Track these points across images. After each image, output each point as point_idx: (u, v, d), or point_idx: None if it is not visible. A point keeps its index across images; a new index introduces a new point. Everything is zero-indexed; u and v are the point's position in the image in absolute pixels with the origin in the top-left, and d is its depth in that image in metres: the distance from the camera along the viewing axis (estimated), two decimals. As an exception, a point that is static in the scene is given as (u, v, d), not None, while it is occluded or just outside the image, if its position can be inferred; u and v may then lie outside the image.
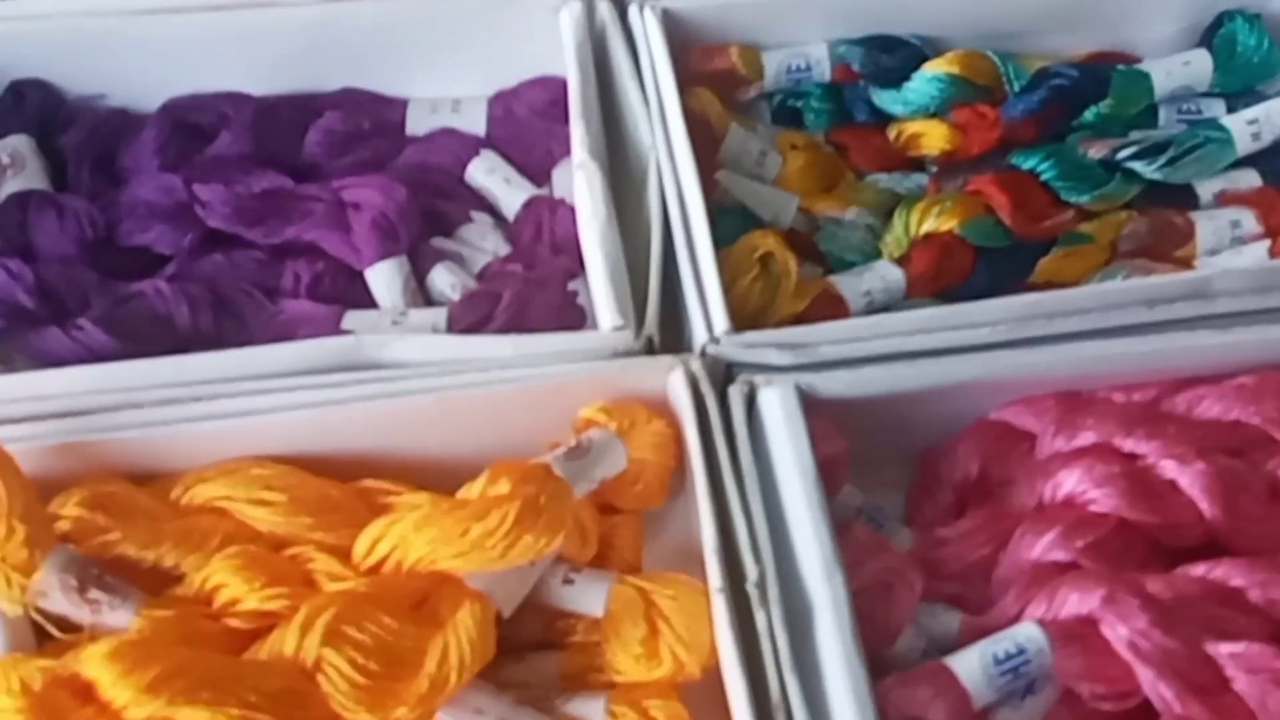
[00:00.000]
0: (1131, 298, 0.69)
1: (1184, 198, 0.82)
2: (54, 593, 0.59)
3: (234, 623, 0.60)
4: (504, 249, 0.79)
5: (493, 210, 0.82)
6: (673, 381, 0.67)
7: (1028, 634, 0.61)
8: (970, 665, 0.60)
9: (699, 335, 0.68)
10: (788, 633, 0.59)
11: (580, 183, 0.72)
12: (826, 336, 0.68)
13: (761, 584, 0.60)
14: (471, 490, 0.62)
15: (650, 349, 0.69)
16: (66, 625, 0.60)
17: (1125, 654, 0.60)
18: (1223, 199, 0.82)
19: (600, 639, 0.64)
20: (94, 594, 0.59)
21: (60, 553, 0.60)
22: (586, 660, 0.65)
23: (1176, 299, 0.69)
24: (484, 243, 0.79)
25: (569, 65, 0.78)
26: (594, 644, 0.65)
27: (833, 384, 0.67)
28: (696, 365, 0.67)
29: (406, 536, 0.60)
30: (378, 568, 0.61)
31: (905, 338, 0.68)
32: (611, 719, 0.61)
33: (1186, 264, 0.79)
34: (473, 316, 0.70)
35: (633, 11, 0.81)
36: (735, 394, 0.66)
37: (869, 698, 0.56)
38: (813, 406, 0.66)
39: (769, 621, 0.59)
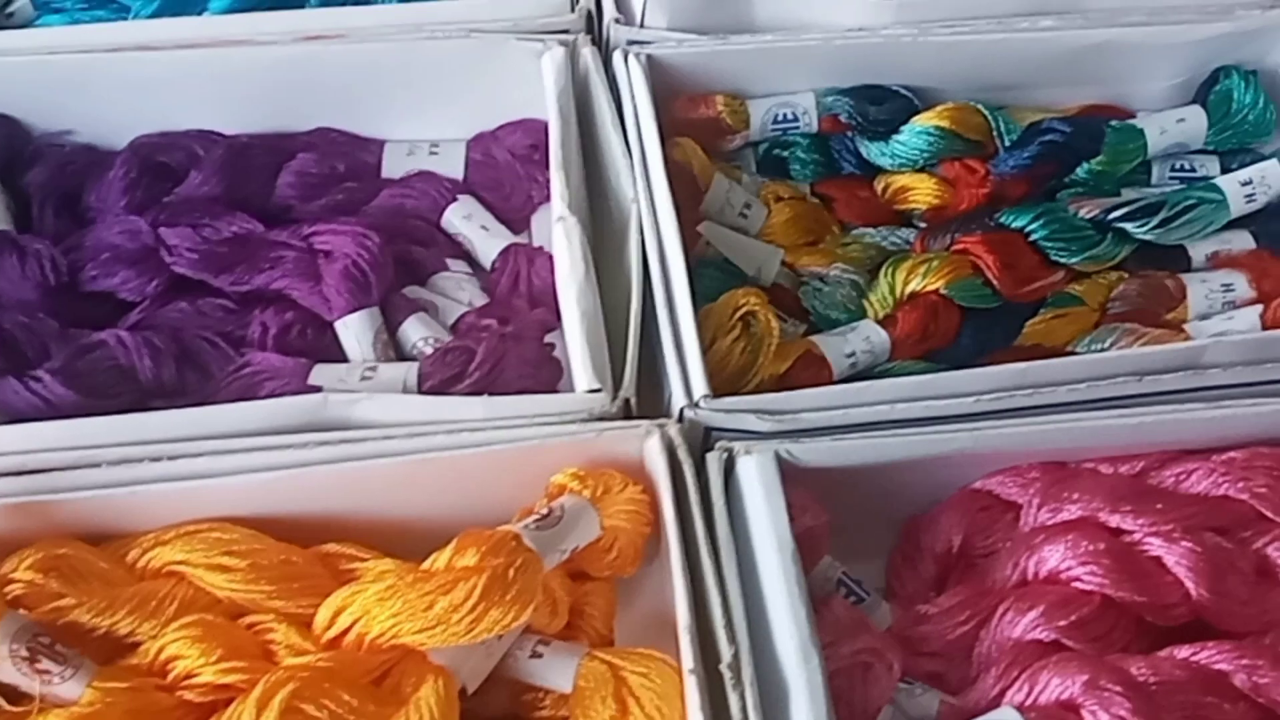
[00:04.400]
0: (1121, 369, 0.67)
1: (1176, 259, 0.81)
2: (3, 662, 0.57)
3: (189, 695, 0.58)
4: (480, 299, 0.77)
5: (470, 257, 0.80)
6: (649, 448, 0.65)
7: (1007, 720, 0.59)
8: (949, 754, 0.58)
9: (677, 399, 0.66)
10: (761, 716, 0.57)
11: (559, 237, 0.70)
12: (808, 404, 0.66)
13: (735, 665, 0.58)
14: (438, 561, 0.60)
15: (627, 411, 0.67)
16: (14, 695, 0.57)
17: (1106, 743, 0.58)
18: (1215, 261, 0.81)
19: (569, 714, 0.62)
20: (45, 664, 0.57)
21: (10, 620, 0.58)
22: (555, 737, 0.63)
23: (1167, 370, 0.68)
24: (459, 293, 0.77)
25: (550, 112, 0.76)
26: (563, 719, 0.63)
27: (814, 453, 0.65)
28: (674, 431, 0.65)
29: (369, 609, 0.58)
30: (339, 640, 0.59)
31: (889, 406, 0.66)
32: (577, 800, 0.59)
33: (1177, 327, 0.78)
34: (445, 373, 0.68)
35: (617, 58, 0.79)
36: (713, 461, 0.64)
37: (842, 787, 0.55)
38: (793, 475, 0.65)
39: (743, 705, 0.57)
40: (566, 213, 0.71)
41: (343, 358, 0.73)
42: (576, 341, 0.67)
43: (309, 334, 0.73)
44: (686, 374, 0.66)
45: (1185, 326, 0.78)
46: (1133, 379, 0.67)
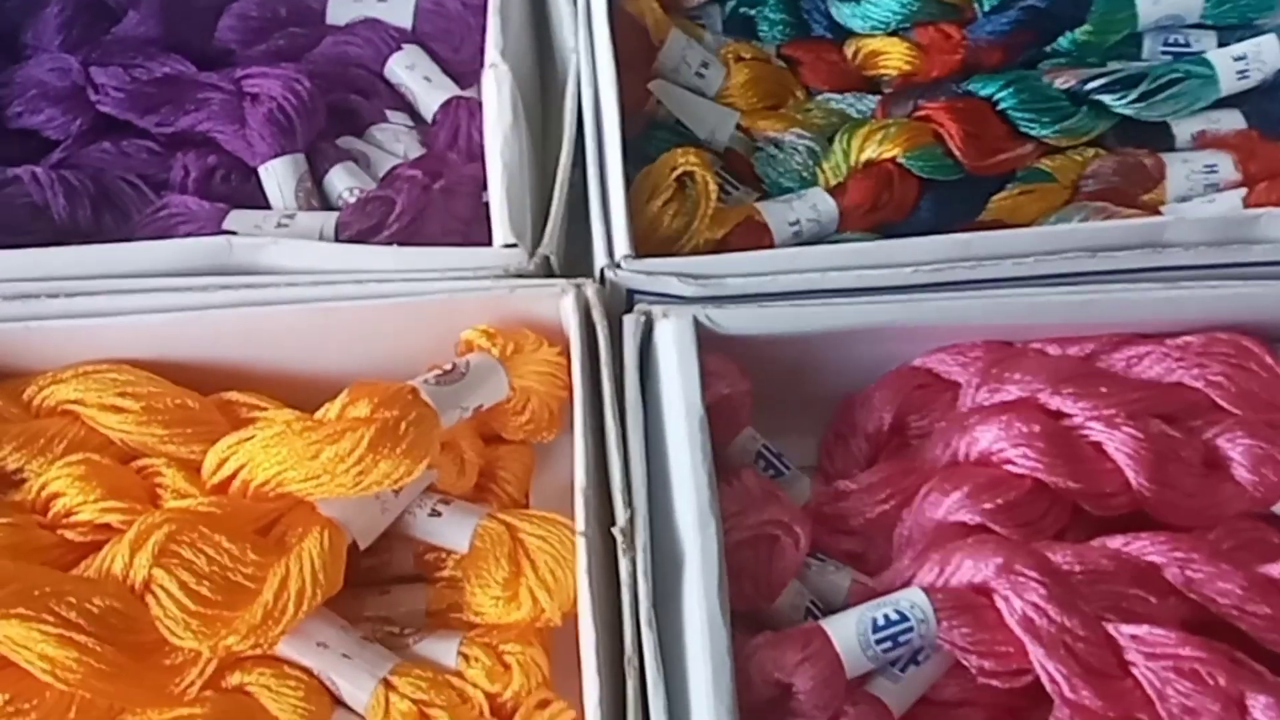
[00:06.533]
0: (1074, 243, 0.63)
1: (1159, 137, 0.76)
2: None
3: (69, 534, 0.57)
4: (417, 152, 0.74)
5: (413, 110, 0.77)
6: (564, 307, 0.62)
7: (911, 600, 0.56)
8: (846, 630, 0.56)
9: (599, 259, 0.64)
10: (651, 583, 0.55)
11: (489, 85, 0.67)
12: (734, 268, 0.63)
13: (629, 530, 0.56)
14: (330, 411, 0.58)
15: (548, 270, 0.64)
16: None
17: (1016, 629, 0.55)
18: (1200, 141, 0.76)
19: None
20: (-77, 495, 0.56)
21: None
22: (455, 597, 0.61)
23: (1124, 248, 0.64)
24: (395, 145, 0.74)
25: (492, -46, 0.72)
26: (463, 579, 0.61)
27: (737, 319, 0.62)
28: (591, 291, 0.62)
29: (254, 455, 0.57)
30: (225, 486, 0.58)
31: (820, 274, 0.62)
32: (463, 661, 0.57)
33: (1154, 209, 0.74)
34: (363, 224, 0.66)
35: (570, -100, 0.75)
36: (629, 324, 0.62)
37: (727, 658, 0.52)
38: (715, 342, 0.62)
39: (632, 569, 0.55)
40: (499, 59, 0.67)
41: (267, 206, 0.70)
42: (497, 194, 0.64)
43: (233, 179, 0.71)
44: (610, 232, 0.64)
45: (1162, 209, 0.73)
46: (1086, 255, 0.63)
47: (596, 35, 0.69)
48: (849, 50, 0.79)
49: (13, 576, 0.53)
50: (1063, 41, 0.77)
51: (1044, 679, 0.55)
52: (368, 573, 0.62)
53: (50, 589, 0.52)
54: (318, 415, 0.58)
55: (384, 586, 0.62)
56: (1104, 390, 0.63)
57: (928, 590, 0.57)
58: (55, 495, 0.57)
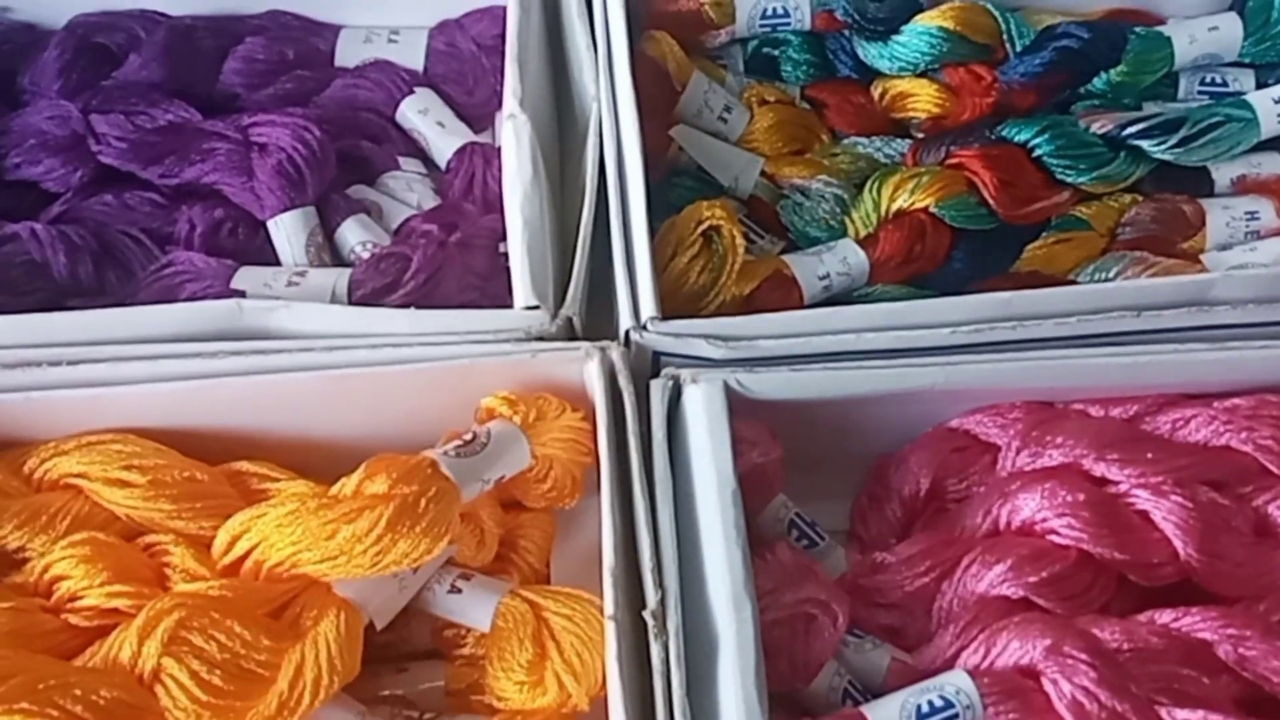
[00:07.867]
0: (1117, 302, 0.61)
1: (1198, 182, 0.74)
2: (-122, 575, 0.54)
3: (74, 619, 0.54)
4: (431, 201, 0.72)
5: (425, 156, 0.75)
6: (589, 371, 0.60)
7: (957, 685, 0.54)
8: (889, 718, 0.53)
9: (624, 320, 0.61)
10: (684, 669, 0.52)
11: (508, 137, 0.64)
12: (765, 329, 0.60)
13: (660, 612, 0.53)
14: (346, 486, 0.55)
15: (571, 332, 0.61)
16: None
17: (1066, 714, 0.53)
18: (1241, 186, 0.74)
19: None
20: (-79, 578, 0.54)
21: (-112, 530, 0.54)
22: (475, 676, 0.59)
23: (1169, 306, 0.61)
24: (408, 194, 0.71)
25: (509, -1, 0.69)
26: (484, 658, 0.58)
27: (769, 384, 0.60)
28: (616, 354, 0.59)
29: (268, 535, 0.54)
30: (236, 567, 0.55)
31: (855, 335, 0.60)
32: (484, 753, 0.55)
33: (1193, 258, 0.71)
34: (377, 282, 0.63)
35: (586, -62, 0.73)
36: (657, 390, 0.59)
37: (766, 750, 0.50)
38: (746, 407, 0.60)
39: (665, 655, 0.52)
40: (517, 110, 0.65)
41: (276, 261, 0.68)
42: (517, 253, 0.61)
43: (240, 233, 0.68)
44: (635, 293, 0.61)
45: (1202, 257, 0.71)
46: (1130, 314, 0.61)
47: (619, 84, 0.66)
48: (876, 92, 0.77)
49: (16, 669, 0.50)
50: (1097, 82, 0.75)
51: (1095, 768, 0.53)
52: (384, 648, 0.59)
53: (55, 681, 0.50)
54: (333, 491, 0.55)
55: (401, 663, 0.59)
56: (1150, 456, 0.60)
57: (973, 673, 0.55)
58: (59, 578, 0.55)
